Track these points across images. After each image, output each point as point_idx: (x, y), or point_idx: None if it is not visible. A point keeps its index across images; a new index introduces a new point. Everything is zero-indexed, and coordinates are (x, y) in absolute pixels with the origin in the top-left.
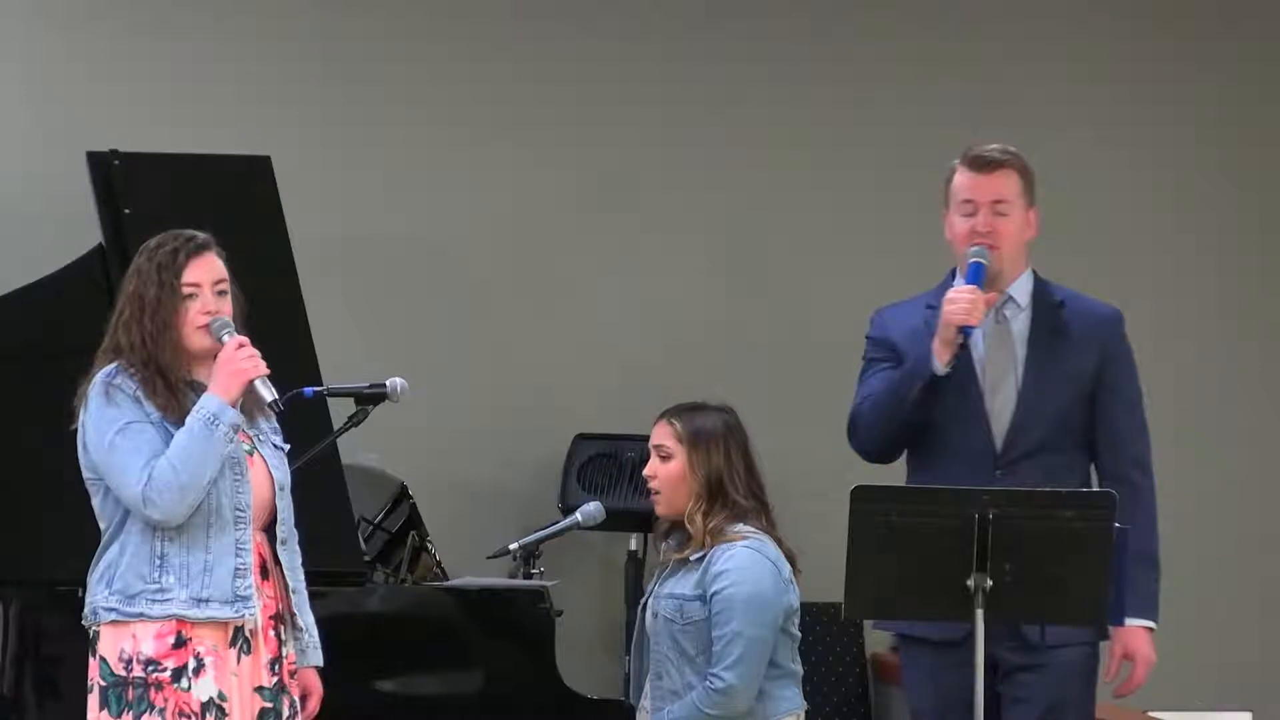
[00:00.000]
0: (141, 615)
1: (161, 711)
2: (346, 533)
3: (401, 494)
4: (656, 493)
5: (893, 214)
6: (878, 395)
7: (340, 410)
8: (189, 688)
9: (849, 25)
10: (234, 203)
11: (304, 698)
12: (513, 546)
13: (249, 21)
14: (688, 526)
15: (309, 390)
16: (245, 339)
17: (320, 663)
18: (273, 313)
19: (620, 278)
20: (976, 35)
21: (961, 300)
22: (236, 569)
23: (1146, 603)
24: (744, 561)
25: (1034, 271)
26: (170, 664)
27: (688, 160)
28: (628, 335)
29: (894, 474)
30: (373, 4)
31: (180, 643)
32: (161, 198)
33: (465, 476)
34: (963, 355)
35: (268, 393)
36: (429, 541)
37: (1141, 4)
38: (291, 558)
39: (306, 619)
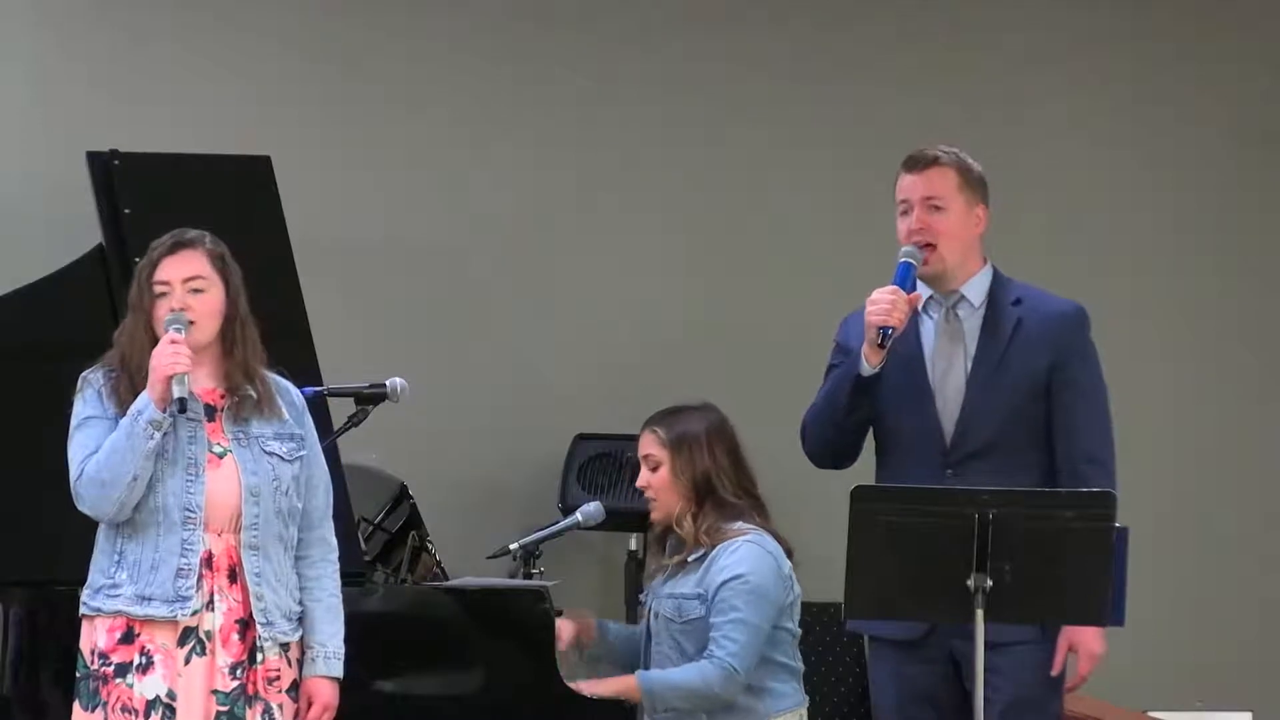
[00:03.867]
0: (99, 610)
1: (104, 705)
2: (346, 533)
3: (401, 494)
4: (652, 500)
5: (892, 215)
6: (819, 400)
7: (340, 410)
8: (133, 684)
9: (843, 26)
10: (234, 203)
11: (309, 704)
12: (513, 546)
13: (249, 22)
14: (678, 530)
15: (309, 390)
16: (177, 336)
17: (330, 673)
18: (273, 313)
19: (621, 277)
20: (971, 35)
21: (881, 301)
22: (179, 569)
23: None
24: (748, 555)
25: (995, 269)
26: (115, 659)
27: (690, 160)
28: (628, 335)
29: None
30: (373, 4)
31: (129, 638)
32: (161, 198)
33: (465, 476)
34: (916, 356)
35: (178, 389)
36: (429, 541)
37: (1142, 3)
38: (262, 563)
39: (325, 629)
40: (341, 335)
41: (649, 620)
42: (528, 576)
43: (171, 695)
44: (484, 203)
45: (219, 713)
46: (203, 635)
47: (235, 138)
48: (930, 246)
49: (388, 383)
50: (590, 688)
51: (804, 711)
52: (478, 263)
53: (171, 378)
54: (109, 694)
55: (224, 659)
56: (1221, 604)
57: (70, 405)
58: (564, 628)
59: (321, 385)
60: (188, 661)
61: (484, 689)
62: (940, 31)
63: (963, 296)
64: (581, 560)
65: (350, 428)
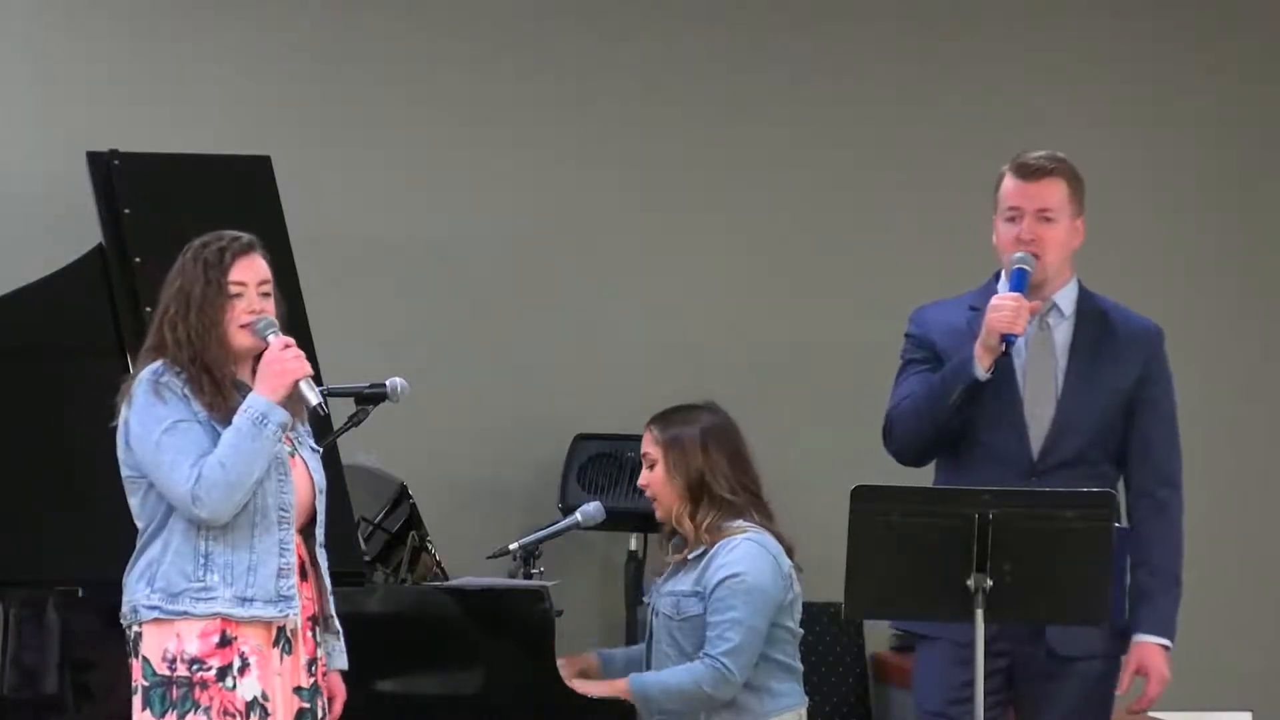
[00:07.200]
0: (185, 614)
1: (207, 710)
2: (346, 533)
3: (401, 494)
4: (653, 499)
5: (893, 215)
6: (916, 398)
7: (340, 410)
8: (234, 687)
9: (868, 27)
10: (234, 203)
11: (330, 700)
12: (513, 546)
13: (249, 21)
14: (679, 529)
15: None
16: (291, 340)
17: (345, 666)
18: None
19: (620, 277)
20: (1002, 36)
21: (1006, 308)
22: (280, 569)
23: (1164, 620)
24: (746, 554)
25: (1079, 281)
26: (215, 663)
27: (688, 160)
28: (628, 335)
29: (896, 475)
30: (373, 4)
31: (225, 642)
32: (161, 198)
33: (465, 476)
34: (1004, 361)
35: (312, 395)
36: (429, 541)
37: (1146, 3)
38: (326, 560)
39: (333, 621)
40: (341, 335)
41: (651, 620)
42: (528, 576)
43: (265, 696)
44: (484, 203)
45: (302, 709)
46: (289, 634)
47: (235, 138)
48: (1038, 256)
49: (388, 383)
50: (583, 688)
51: (804, 711)
52: (478, 263)
53: (299, 381)
54: (210, 699)
55: (304, 656)
56: (1222, 604)
57: (68, 405)
58: (564, 667)
59: (322, 385)
60: (281, 661)
61: (484, 689)
62: (948, 33)
63: (1054, 305)
64: (581, 560)
65: (350, 428)
